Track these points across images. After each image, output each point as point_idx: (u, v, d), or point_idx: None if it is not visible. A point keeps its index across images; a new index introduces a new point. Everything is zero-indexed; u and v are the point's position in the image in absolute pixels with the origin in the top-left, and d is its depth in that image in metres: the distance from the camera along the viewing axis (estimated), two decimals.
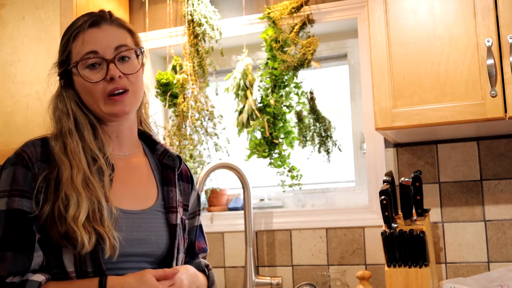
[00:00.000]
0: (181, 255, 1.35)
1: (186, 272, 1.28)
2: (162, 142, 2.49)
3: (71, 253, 1.16)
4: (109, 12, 1.33)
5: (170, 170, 1.40)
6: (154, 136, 1.45)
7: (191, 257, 1.45)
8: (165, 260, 1.30)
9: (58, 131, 1.26)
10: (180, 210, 1.37)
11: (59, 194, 1.18)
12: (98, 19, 1.29)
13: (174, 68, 2.47)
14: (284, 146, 2.34)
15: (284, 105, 2.33)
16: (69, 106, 1.28)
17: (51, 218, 1.17)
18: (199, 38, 2.41)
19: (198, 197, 1.50)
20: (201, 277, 1.40)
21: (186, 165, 1.49)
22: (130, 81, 1.28)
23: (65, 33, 1.31)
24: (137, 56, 1.32)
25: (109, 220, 1.18)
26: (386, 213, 1.86)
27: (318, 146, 2.32)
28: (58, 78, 1.33)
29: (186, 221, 1.41)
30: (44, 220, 1.18)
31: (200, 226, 1.50)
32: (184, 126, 2.38)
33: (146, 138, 1.44)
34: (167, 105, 2.45)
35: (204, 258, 1.51)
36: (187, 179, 1.47)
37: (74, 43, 1.27)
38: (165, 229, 1.31)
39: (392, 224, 1.87)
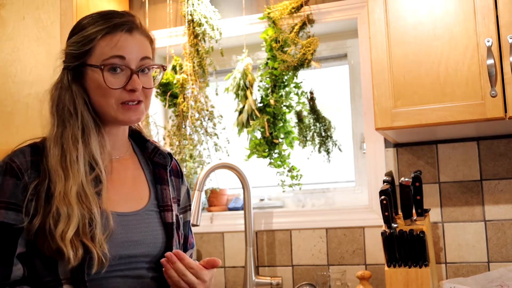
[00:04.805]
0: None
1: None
2: (162, 142, 2.50)
3: (66, 262, 1.15)
4: (138, 19, 1.31)
5: (162, 168, 1.38)
6: (144, 133, 1.43)
7: (183, 252, 1.44)
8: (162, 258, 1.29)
9: (59, 133, 1.23)
10: (174, 207, 1.36)
11: (50, 209, 1.16)
12: (132, 25, 1.26)
13: (174, 68, 2.47)
14: (284, 146, 2.34)
15: (284, 105, 2.33)
16: (78, 105, 1.24)
17: (43, 234, 1.15)
18: (199, 38, 2.41)
19: (188, 191, 1.49)
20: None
21: (176, 160, 1.47)
22: (145, 94, 1.28)
23: (90, 26, 1.25)
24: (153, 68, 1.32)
25: (102, 234, 1.16)
26: (386, 213, 1.86)
27: (318, 146, 2.32)
28: (63, 67, 1.28)
29: (180, 216, 1.41)
30: (35, 234, 1.16)
31: (189, 222, 1.50)
32: (184, 126, 2.38)
33: (135, 136, 1.43)
34: (167, 105, 2.45)
35: (192, 254, 1.50)
36: (177, 173, 1.45)
37: (102, 41, 1.23)
38: (161, 228, 1.30)
39: (392, 224, 1.87)
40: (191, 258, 1.48)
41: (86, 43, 1.24)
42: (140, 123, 1.44)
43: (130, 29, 1.26)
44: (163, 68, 1.35)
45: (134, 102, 1.26)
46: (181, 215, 1.44)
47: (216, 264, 1.27)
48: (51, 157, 1.20)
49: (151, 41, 1.33)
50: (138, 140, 1.43)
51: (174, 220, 1.33)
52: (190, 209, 1.49)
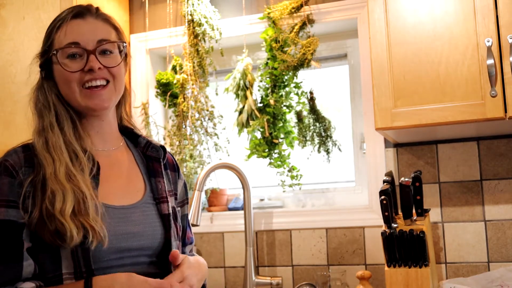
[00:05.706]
0: (177, 243, 1.34)
1: (192, 268, 1.27)
2: (162, 142, 2.50)
3: (68, 253, 1.16)
4: (97, 7, 1.33)
5: (155, 161, 1.39)
6: (136, 129, 1.44)
7: (182, 246, 1.44)
8: (163, 252, 1.29)
9: (40, 126, 1.26)
10: (170, 199, 1.37)
11: (45, 193, 1.17)
12: (83, 11, 1.30)
13: (174, 68, 2.47)
14: (284, 146, 2.34)
15: (284, 105, 2.33)
16: (50, 98, 1.28)
17: (41, 220, 1.16)
18: (199, 38, 2.41)
19: (185, 185, 1.50)
20: (203, 264, 1.39)
21: (171, 154, 1.48)
22: (111, 73, 1.28)
23: (50, 25, 1.31)
24: (120, 51, 1.32)
25: (94, 212, 1.17)
26: (386, 213, 1.86)
27: (318, 146, 2.32)
28: (39, 69, 1.33)
29: (178, 209, 1.41)
30: (35, 224, 1.16)
31: (187, 215, 1.51)
32: (184, 126, 2.38)
33: (127, 133, 1.44)
34: (167, 105, 2.45)
35: (191, 250, 1.51)
36: (173, 167, 1.46)
37: (57, 33, 1.28)
38: (158, 220, 1.30)
39: (392, 224, 1.87)
40: (191, 253, 1.49)
41: (47, 40, 1.30)
42: (133, 121, 1.46)
43: (80, 14, 1.29)
44: (123, 43, 1.33)
45: (98, 84, 1.26)
46: (179, 209, 1.45)
47: (174, 257, 1.25)
48: (37, 146, 1.23)
49: (115, 28, 1.34)
50: (131, 136, 1.44)
51: (171, 211, 1.33)
52: (187, 203, 1.50)
